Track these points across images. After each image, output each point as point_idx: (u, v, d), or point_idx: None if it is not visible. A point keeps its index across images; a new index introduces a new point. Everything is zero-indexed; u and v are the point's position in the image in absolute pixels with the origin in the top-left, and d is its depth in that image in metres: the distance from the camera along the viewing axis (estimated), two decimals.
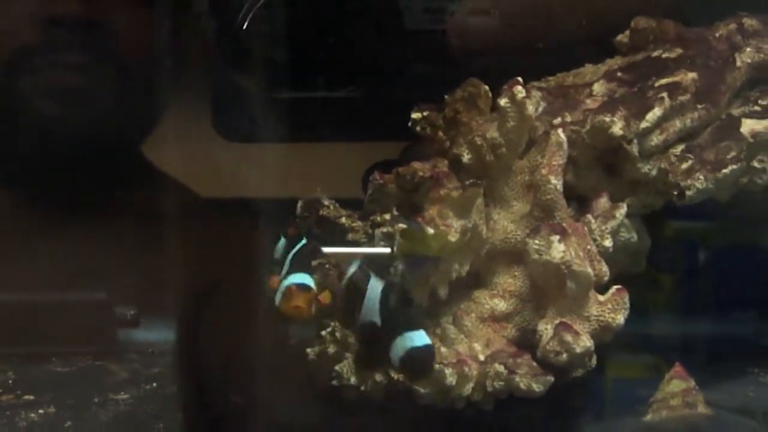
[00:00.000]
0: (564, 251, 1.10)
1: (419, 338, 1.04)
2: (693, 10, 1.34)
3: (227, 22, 1.44)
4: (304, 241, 1.13)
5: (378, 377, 1.12)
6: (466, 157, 1.15)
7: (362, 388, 1.14)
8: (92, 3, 1.37)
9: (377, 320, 1.06)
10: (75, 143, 1.39)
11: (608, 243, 1.16)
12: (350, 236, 1.17)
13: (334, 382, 1.15)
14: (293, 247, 1.13)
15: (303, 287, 1.07)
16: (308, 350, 1.17)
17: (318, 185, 1.24)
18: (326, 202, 1.19)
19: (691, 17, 1.31)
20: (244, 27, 1.43)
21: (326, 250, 1.15)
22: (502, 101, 1.13)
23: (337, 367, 1.14)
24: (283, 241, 1.14)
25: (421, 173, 1.11)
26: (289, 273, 1.10)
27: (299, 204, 1.19)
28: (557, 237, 1.11)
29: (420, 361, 1.04)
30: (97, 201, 1.45)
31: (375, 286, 1.06)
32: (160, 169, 1.46)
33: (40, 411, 1.19)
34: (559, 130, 1.15)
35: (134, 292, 1.40)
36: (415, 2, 1.45)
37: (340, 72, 1.42)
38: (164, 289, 1.37)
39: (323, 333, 1.15)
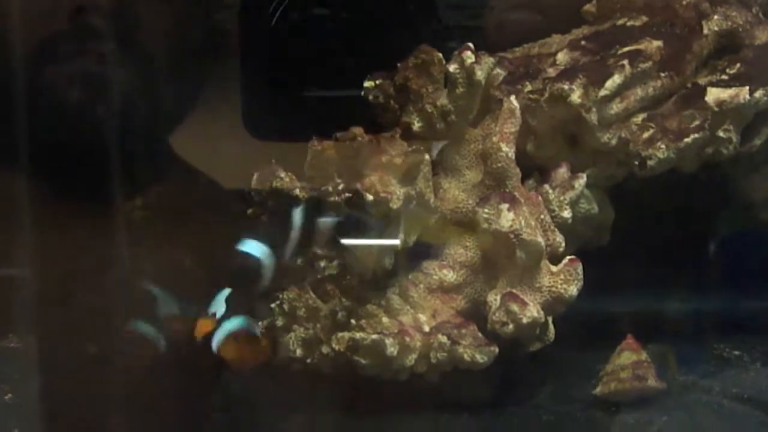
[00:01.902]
0: (513, 220, 1.08)
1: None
2: None
3: (257, 18, 1.42)
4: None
5: (324, 349, 1.09)
6: (416, 125, 1.12)
7: (308, 360, 1.10)
8: None
9: None
10: (100, 132, 1.38)
11: (567, 214, 1.14)
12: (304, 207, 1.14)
13: (281, 355, 1.12)
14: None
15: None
16: (258, 323, 1.13)
17: None
18: (282, 174, 1.16)
19: None
20: (273, 23, 1.42)
21: None
22: (451, 67, 1.11)
23: (284, 339, 1.11)
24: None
25: (360, 138, 1.07)
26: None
27: (254, 176, 1.16)
28: (506, 205, 1.08)
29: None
30: (120, 191, 1.44)
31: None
32: (185, 160, 1.45)
33: None
34: (512, 97, 1.12)
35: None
36: None
37: (371, 69, 1.40)
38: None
39: (272, 306, 1.12)
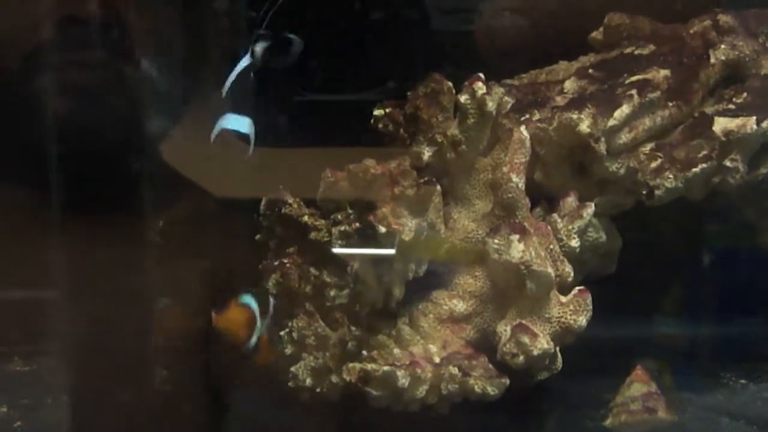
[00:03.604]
0: (523, 251, 1.08)
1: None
2: None
3: (248, 22, 1.42)
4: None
5: (334, 379, 1.09)
6: (426, 155, 1.12)
7: (318, 389, 1.11)
8: (109, 2, 1.36)
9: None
10: (89, 142, 1.38)
11: (575, 243, 1.14)
12: (313, 235, 1.14)
13: (290, 384, 1.12)
14: None
15: (244, 306, 1.06)
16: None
17: None
18: (290, 200, 1.16)
19: None
20: (264, 27, 1.41)
21: None
22: (462, 98, 1.11)
23: (293, 369, 1.11)
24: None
25: (373, 171, 1.08)
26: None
27: (263, 202, 1.16)
28: (517, 236, 1.08)
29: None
30: (110, 200, 1.43)
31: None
32: (175, 169, 1.45)
33: None
34: (522, 127, 1.13)
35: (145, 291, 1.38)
36: (443, 3, 1.42)
37: (364, 74, 1.40)
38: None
39: (281, 333, 1.12)
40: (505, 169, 1.11)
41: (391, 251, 1.09)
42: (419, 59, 1.43)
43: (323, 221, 1.14)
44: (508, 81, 1.27)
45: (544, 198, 1.19)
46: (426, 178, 1.09)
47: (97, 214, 1.37)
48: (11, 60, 1.35)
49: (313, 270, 1.14)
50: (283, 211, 1.15)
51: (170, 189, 1.40)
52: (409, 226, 1.07)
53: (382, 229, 1.06)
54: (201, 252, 1.39)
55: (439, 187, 1.10)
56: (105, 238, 1.37)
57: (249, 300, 1.06)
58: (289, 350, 1.13)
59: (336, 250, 1.12)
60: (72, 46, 1.34)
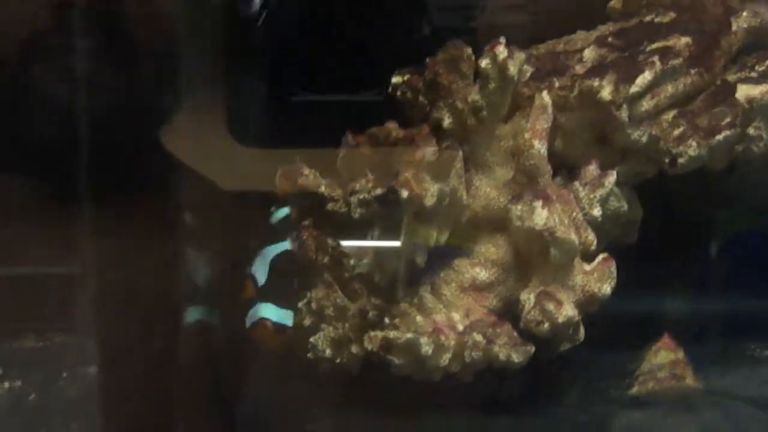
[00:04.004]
0: (547, 217, 1.06)
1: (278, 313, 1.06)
2: None
3: (243, 19, 1.40)
4: (286, 245, 1.10)
5: (354, 349, 1.07)
6: (446, 121, 1.11)
7: (338, 360, 1.09)
8: None
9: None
10: (86, 128, 1.37)
11: (597, 212, 1.12)
12: (330, 206, 1.12)
13: (310, 355, 1.10)
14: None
15: (279, 327, 1.05)
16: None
17: None
18: (306, 171, 1.14)
19: None
20: (259, 24, 1.40)
21: None
22: (483, 62, 1.09)
23: (312, 339, 1.09)
24: (284, 210, 1.11)
25: (395, 134, 1.06)
26: (266, 291, 1.07)
27: (278, 172, 1.14)
28: (540, 203, 1.06)
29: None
30: (110, 187, 1.42)
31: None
32: (176, 156, 1.43)
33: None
34: (544, 93, 1.11)
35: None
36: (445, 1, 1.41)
37: (362, 74, 1.38)
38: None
39: (299, 305, 1.10)
40: (527, 135, 1.10)
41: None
42: (421, 57, 1.41)
43: (340, 191, 1.12)
44: (526, 50, 1.24)
45: (564, 167, 1.16)
46: (449, 143, 1.06)
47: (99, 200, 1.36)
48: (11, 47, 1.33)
49: (330, 241, 1.11)
50: (299, 181, 1.12)
51: (171, 175, 1.39)
52: (431, 191, 1.05)
53: (405, 194, 1.03)
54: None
55: (461, 153, 1.07)
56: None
57: (276, 312, 1.06)
58: (307, 321, 1.11)
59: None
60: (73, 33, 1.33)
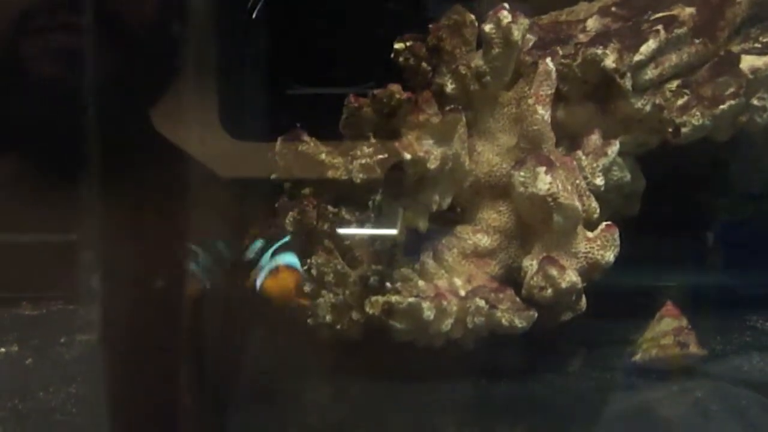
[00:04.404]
0: (551, 183, 1.05)
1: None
2: None
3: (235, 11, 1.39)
4: (287, 239, 1.10)
5: (354, 315, 1.06)
6: (449, 87, 1.10)
7: (338, 326, 1.07)
8: None
9: None
10: (75, 106, 1.35)
11: (599, 181, 1.11)
12: (330, 173, 1.11)
13: (310, 321, 1.09)
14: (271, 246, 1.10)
15: (291, 267, 1.04)
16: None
17: None
18: (306, 138, 1.13)
19: None
20: (253, 17, 1.39)
21: None
22: (487, 27, 1.08)
23: (313, 305, 1.08)
24: (259, 243, 1.10)
25: (398, 96, 1.05)
26: (276, 252, 1.07)
27: (278, 141, 1.13)
28: (543, 168, 1.05)
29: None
30: (100, 165, 1.41)
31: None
32: (167, 138, 1.43)
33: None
34: (548, 59, 1.10)
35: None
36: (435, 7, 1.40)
37: (354, 67, 1.37)
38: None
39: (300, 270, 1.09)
40: (530, 101, 1.09)
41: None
42: None
43: (340, 159, 1.11)
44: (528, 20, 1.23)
45: (567, 137, 1.15)
46: (452, 106, 1.05)
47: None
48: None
49: (330, 207, 1.10)
50: (299, 148, 1.11)
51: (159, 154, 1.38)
52: (434, 154, 1.04)
53: (408, 156, 1.02)
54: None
55: (464, 117, 1.06)
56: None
57: (292, 259, 1.05)
58: (308, 288, 1.09)
59: None
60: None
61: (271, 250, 1.11)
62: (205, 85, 1.44)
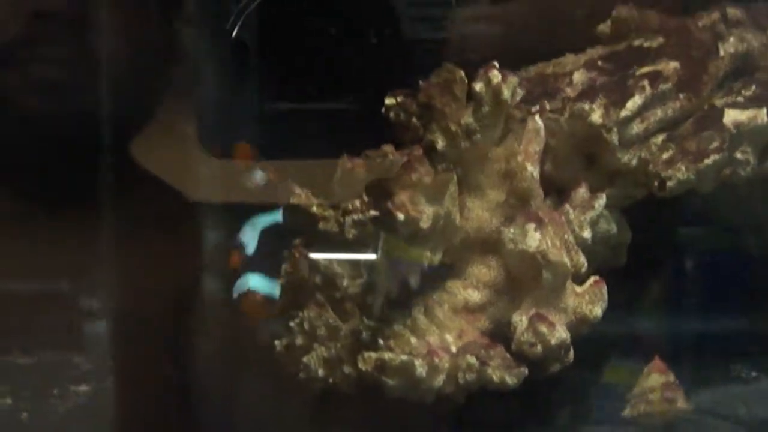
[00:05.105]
0: (540, 240, 1.07)
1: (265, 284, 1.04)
2: None
3: (215, 30, 1.40)
4: (277, 215, 1.10)
5: (347, 369, 1.08)
6: (440, 144, 1.11)
7: (330, 380, 1.09)
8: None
9: None
10: (58, 138, 1.37)
11: (587, 234, 1.13)
12: (321, 225, 1.12)
13: (302, 375, 1.10)
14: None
15: (267, 298, 1.05)
16: (276, 342, 1.12)
17: None
18: (297, 190, 1.14)
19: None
20: (233, 35, 1.40)
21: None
22: (478, 86, 1.10)
23: (305, 360, 1.10)
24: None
25: (392, 157, 1.06)
26: (255, 261, 1.07)
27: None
28: (533, 225, 1.07)
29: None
30: (79, 197, 1.42)
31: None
32: (146, 168, 1.44)
33: None
34: (537, 116, 1.12)
35: (111, 289, 1.37)
36: (413, 11, 1.42)
37: (334, 84, 1.39)
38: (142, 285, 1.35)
39: (291, 324, 1.11)
40: (519, 158, 1.11)
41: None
42: (391, 67, 1.42)
43: (332, 211, 1.12)
44: (515, 73, 1.25)
45: (554, 189, 1.17)
46: (443, 166, 1.07)
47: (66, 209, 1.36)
48: None
49: (322, 260, 1.11)
50: (290, 200, 1.13)
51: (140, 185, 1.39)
52: (427, 213, 1.06)
53: (401, 217, 1.04)
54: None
55: (455, 176, 1.08)
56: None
57: (263, 282, 1.06)
58: (299, 341, 1.11)
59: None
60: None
61: (260, 226, 1.12)
62: (184, 109, 1.46)
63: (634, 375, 1.19)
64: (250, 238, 1.13)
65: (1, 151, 1.41)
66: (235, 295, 1.10)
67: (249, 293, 1.09)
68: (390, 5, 1.44)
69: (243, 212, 1.39)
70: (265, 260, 1.12)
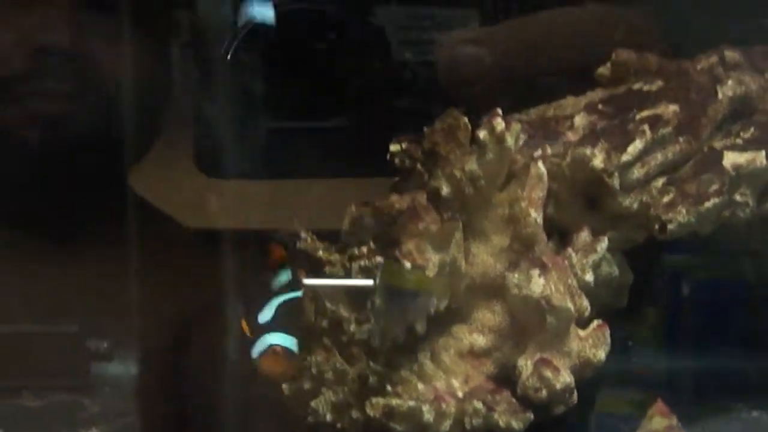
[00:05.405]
0: (544, 285, 1.09)
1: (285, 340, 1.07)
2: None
3: (211, 54, 1.42)
4: (299, 294, 1.12)
5: (354, 414, 1.09)
6: (445, 190, 1.13)
7: (338, 425, 1.11)
8: (80, 34, 1.37)
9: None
10: (59, 172, 1.38)
11: (589, 277, 1.15)
12: (327, 269, 1.14)
13: (310, 419, 1.12)
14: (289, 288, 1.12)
15: (289, 352, 1.06)
16: (284, 386, 1.14)
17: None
18: (303, 235, 1.16)
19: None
20: (228, 58, 1.42)
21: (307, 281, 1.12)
22: (482, 134, 1.11)
23: (312, 404, 1.12)
24: (285, 275, 1.12)
25: (398, 206, 1.08)
26: (272, 326, 1.08)
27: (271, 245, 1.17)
28: (537, 271, 1.09)
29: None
30: (80, 231, 1.44)
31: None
32: (145, 198, 1.45)
33: None
34: (540, 163, 1.14)
35: (114, 325, 1.38)
36: (402, 33, 1.44)
37: (325, 105, 1.41)
38: (145, 322, 1.36)
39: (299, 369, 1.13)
40: (523, 204, 1.12)
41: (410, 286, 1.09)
42: (379, 88, 1.44)
43: (337, 256, 1.14)
44: (516, 116, 1.27)
45: (556, 232, 1.19)
46: (449, 214, 1.09)
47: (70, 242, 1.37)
48: None
49: (329, 305, 1.13)
50: (297, 245, 1.15)
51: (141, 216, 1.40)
52: (433, 261, 1.07)
53: (408, 265, 1.06)
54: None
55: (460, 223, 1.10)
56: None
57: (285, 339, 1.07)
58: (307, 385, 1.13)
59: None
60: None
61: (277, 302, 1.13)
62: (182, 135, 1.47)
63: (634, 405, 1.20)
64: (265, 313, 1.14)
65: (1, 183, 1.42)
66: (255, 354, 1.11)
67: (271, 348, 1.10)
68: (380, 28, 1.45)
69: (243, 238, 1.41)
70: (282, 322, 1.14)
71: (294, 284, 1.14)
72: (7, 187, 1.42)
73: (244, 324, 1.11)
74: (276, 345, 1.09)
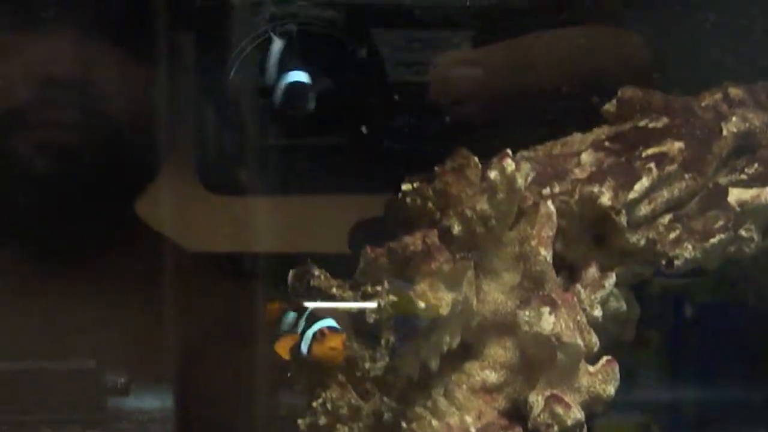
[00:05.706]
0: (554, 323, 1.11)
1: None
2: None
3: (214, 73, 1.44)
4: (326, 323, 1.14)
5: None
6: (456, 229, 1.15)
7: None
8: (87, 63, 1.38)
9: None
10: (67, 201, 1.39)
11: (597, 313, 1.17)
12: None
13: None
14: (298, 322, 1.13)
15: (334, 329, 1.08)
16: (299, 421, 1.16)
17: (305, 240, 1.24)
18: (317, 272, 1.19)
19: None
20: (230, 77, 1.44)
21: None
22: (492, 174, 1.14)
23: None
24: (291, 315, 1.14)
25: (412, 248, 1.11)
26: (312, 319, 1.10)
27: (290, 274, 1.19)
28: (548, 309, 1.11)
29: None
30: (88, 259, 1.45)
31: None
32: (151, 226, 1.47)
33: None
34: (549, 202, 1.16)
35: (125, 354, 1.40)
36: (400, 54, 1.46)
37: (323, 124, 1.43)
38: (155, 350, 1.37)
39: (314, 404, 1.15)
40: (533, 243, 1.15)
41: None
42: (376, 106, 1.46)
43: (351, 293, 1.16)
44: (524, 152, 1.29)
45: (565, 268, 1.21)
46: (462, 254, 1.11)
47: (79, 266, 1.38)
48: None
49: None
50: (311, 284, 1.17)
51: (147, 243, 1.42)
52: (446, 300, 1.10)
53: (422, 305, 1.08)
54: None
55: (472, 262, 1.12)
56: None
57: (331, 322, 1.09)
58: (323, 420, 1.15)
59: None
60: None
61: (304, 317, 1.14)
62: (186, 155, 1.49)
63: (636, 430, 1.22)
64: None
65: (8, 212, 1.43)
66: (303, 345, 1.12)
67: (318, 332, 1.12)
68: (376, 48, 1.48)
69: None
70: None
71: (301, 319, 1.16)
72: (16, 215, 1.43)
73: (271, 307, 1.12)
74: (322, 327, 1.10)
